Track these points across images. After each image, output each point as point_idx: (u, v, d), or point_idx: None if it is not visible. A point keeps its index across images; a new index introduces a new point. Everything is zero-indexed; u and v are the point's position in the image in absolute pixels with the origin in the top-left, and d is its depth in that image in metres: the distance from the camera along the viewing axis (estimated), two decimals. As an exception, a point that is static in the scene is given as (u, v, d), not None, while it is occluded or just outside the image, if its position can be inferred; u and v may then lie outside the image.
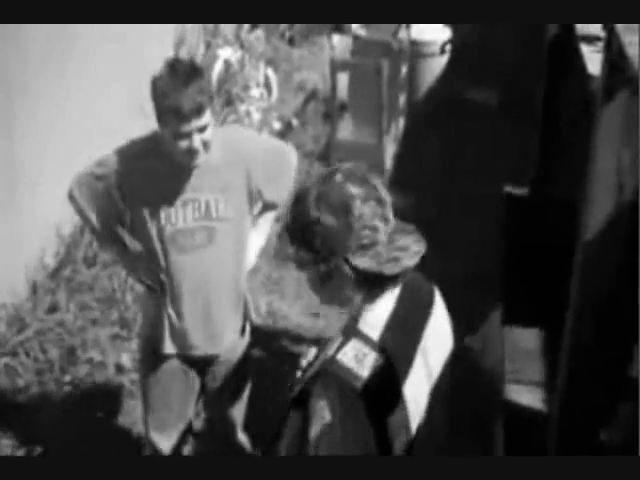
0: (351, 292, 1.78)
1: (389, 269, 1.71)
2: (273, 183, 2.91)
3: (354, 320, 1.79)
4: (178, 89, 2.53)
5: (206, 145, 2.63)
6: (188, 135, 2.57)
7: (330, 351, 1.75)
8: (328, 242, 1.71)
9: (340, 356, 1.71)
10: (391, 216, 1.74)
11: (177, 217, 2.73)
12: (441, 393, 1.84)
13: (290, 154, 3.03)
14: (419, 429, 1.75)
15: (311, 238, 1.72)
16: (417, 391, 1.76)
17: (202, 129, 2.59)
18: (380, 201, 1.72)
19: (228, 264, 2.87)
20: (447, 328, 1.92)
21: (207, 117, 2.59)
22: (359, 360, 1.70)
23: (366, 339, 1.74)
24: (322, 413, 1.71)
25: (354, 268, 1.71)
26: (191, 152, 2.61)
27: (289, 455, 1.86)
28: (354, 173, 1.75)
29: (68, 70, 4.61)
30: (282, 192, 2.97)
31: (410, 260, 1.73)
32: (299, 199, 1.75)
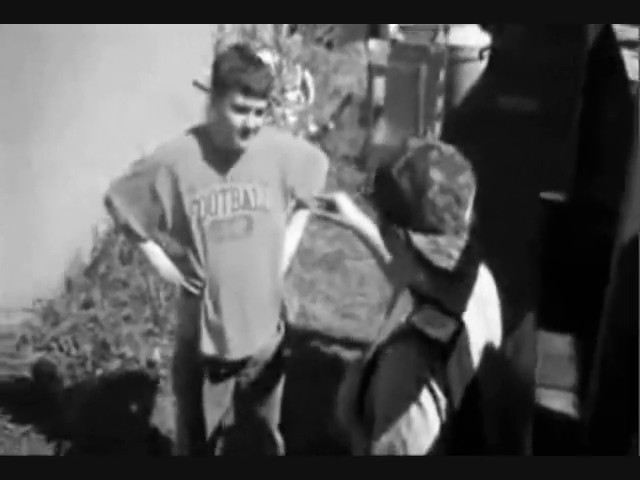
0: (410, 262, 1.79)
1: (438, 260, 1.73)
2: (306, 183, 2.95)
3: (417, 288, 1.82)
4: (250, 68, 2.64)
5: (256, 130, 2.70)
6: (247, 111, 2.65)
7: (402, 317, 1.78)
8: (396, 207, 1.74)
9: (415, 320, 1.75)
10: (464, 217, 1.75)
11: (217, 207, 2.76)
12: (497, 359, 1.89)
13: (323, 159, 3.09)
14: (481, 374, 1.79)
15: (385, 198, 1.77)
16: (474, 327, 1.80)
17: (259, 112, 2.67)
18: (459, 199, 1.73)
19: (265, 256, 2.89)
20: (494, 292, 1.97)
21: (265, 103, 2.69)
22: (437, 325, 1.73)
23: (438, 306, 1.77)
24: (394, 374, 1.74)
25: (409, 240, 1.74)
26: (243, 131, 2.67)
27: (343, 417, 1.88)
28: (451, 161, 1.75)
29: (81, 70, 4.62)
30: (313, 192, 2.99)
31: (461, 263, 1.74)
32: (393, 157, 1.77)
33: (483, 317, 1.86)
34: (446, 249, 1.74)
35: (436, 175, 1.72)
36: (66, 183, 4.42)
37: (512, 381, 2.15)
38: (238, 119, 2.66)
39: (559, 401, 2.63)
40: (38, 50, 4.20)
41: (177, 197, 2.75)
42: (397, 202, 1.74)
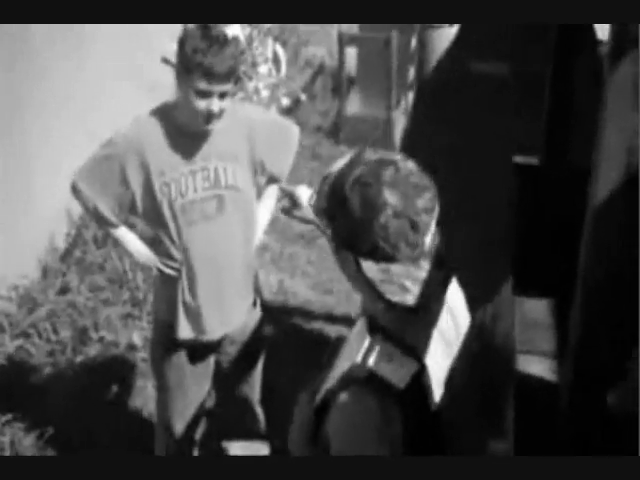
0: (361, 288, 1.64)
1: (390, 292, 1.57)
2: (275, 155, 2.92)
3: (374, 319, 1.66)
4: (213, 50, 2.54)
5: (221, 113, 2.64)
6: (209, 95, 2.58)
7: (357, 357, 1.61)
8: (346, 229, 1.56)
9: (372, 362, 1.58)
10: (424, 245, 1.56)
11: (187, 187, 2.73)
12: (463, 365, 1.75)
13: (293, 130, 3.03)
14: (444, 399, 1.66)
15: (335, 216, 1.58)
16: (437, 363, 1.66)
17: (223, 95, 2.61)
18: (415, 225, 1.53)
19: (238, 235, 2.86)
20: (462, 303, 1.82)
21: (230, 86, 2.61)
22: (394, 367, 1.58)
23: (394, 341, 1.61)
24: (345, 420, 1.60)
25: (360, 269, 1.58)
26: (207, 115, 2.62)
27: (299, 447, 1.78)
28: (408, 181, 1.55)
29: (74, 58, 4.59)
30: (284, 166, 2.98)
31: (419, 297, 1.58)
32: (346, 168, 1.59)
33: (448, 352, 1.70)
34: (399, 280, 1.56)
35: (390, 197, 1.52)
36: (36, 169, 4.37)
37: (491, 348, 2.15)
38: (201, 103, 2.59)
39: (538, 366, 2.63)
40: (26, 44, 4.15)
41: (147, 180, 2.72)
42: (347, 224, 1.55)
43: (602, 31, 2.91)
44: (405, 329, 1.62)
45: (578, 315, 2.18)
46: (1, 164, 4.16)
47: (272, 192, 3.05)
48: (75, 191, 2.83)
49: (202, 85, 2.57)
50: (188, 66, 2.57)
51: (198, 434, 3.21)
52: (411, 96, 6.70)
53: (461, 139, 5.87)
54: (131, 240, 2.91)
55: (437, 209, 1.58)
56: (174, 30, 4.96)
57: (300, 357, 3.84)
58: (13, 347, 4.00)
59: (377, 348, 1.60)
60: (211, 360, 3.03)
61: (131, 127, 2.77)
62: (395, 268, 1.55)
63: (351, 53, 6.31)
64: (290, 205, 2.21)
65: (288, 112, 6.10)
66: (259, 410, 3.26)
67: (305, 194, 2.18)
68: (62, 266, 4.47)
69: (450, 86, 6.68)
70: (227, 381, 3.15)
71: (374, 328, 1.64)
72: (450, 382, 1.70)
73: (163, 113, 2.76)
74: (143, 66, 5.15)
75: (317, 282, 4.71)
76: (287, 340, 4.07)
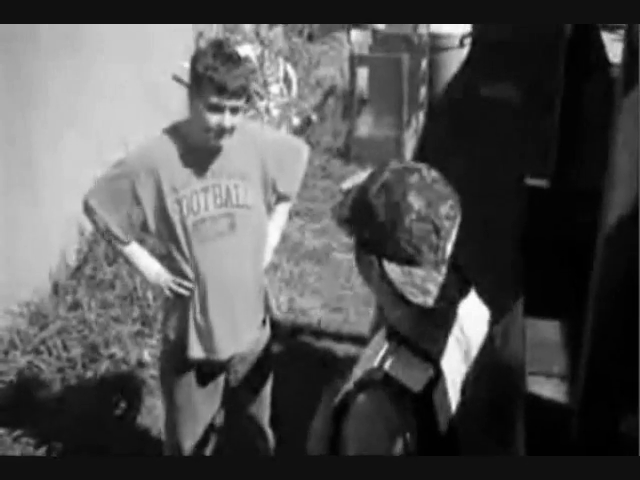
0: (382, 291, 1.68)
1: (412, 295, 1.60)
2: (285, 174, 2.94)
3: (393, 327, 1.70)
4: (227, 67, 2.59)
5: (232, 129, 2.67)
6: (221, 110, 2.61)
7: (375, 361, 1.66)
8: (371, 233, 1.62)
9: (388, 366, 1.63)
10: (445, 250, 1.61)
11: (199, 205, 2.74)
12: (478, 373, 1.78)
13: (302, 149, 3.06)
14: (459, 409, 1.70)
15: (359, 223, 1.64)
16: (454, 369, 1.70)
17: (234, 110, 2.64)
18: (438, 230, 1.59)
19: (249, 253, 2.87)
20: (481, 310, 1.86)
21: (242, 102, 2.65)
22: (410, 372, 1.62)
23: (412, 347, 1.66)
24: (362, 423, 1.63)
25: (383, 271, 1.62)
26: (219, 130, 2.64)
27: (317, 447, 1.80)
28: (432, 188, 1.61)
29: (80, 69, 4.63)
30: (293, 184, 3.00)
31: (438, 300, 1.61)
32: (370, 178, 1.65)
33: (465, 360, 1.75)
34: (422, 284, 1.60)
35: (414, 201, 1.59)
36: (48, 184, 4.40)
37: (502, 369, 2.15)
38: (213, 119, 2.63)
39: (548, 387, 2.63)
40: (33, 50, 4.18)
41: (159, 198, 2.73)
42: (371, 228, 1.62)
43: (613, 53, 2.93)
44: (422, 335, 1.67)
45: (589, 337, 2.18)
46: (11, 179, 4.19)
47: (282, 210, 3.06)
48: (87, 209, 2.85)
49: (214, 99, 2.60)
50: (201, 82, 2.62)
51: (207, 453, 3.20)
52: (422, 117, 6.72)
53: (471, 160, 5.89)
54: (142, 257, 2.91)
55: (459, 218, 1.63)
56: (186, 48, 5.02)
57: (310, 375, 3.84)
58: (23, 363, 4.01)
59: (394, 353, 1.64)
60: (220, 379, 3.03)
61: (143, 146, 2.80)
62: (417, 271, 1.60)
63: (362, 74, 6.35)
64: None
65: (299, 132, 6.13)
66: (268, 429, 3.25)
67: None
68: (73, 283, 4.48)
69: (460, 107, 6.70)
70: (236, 400, 3.15)
71: (392, 334, 1.68)
72: (462, 396, 1.72)
73: (175, 132, 2.78)
74: (150, 77, 5.19)
75: (327, 301, 4.72)
76: (297, 358, 4.08)
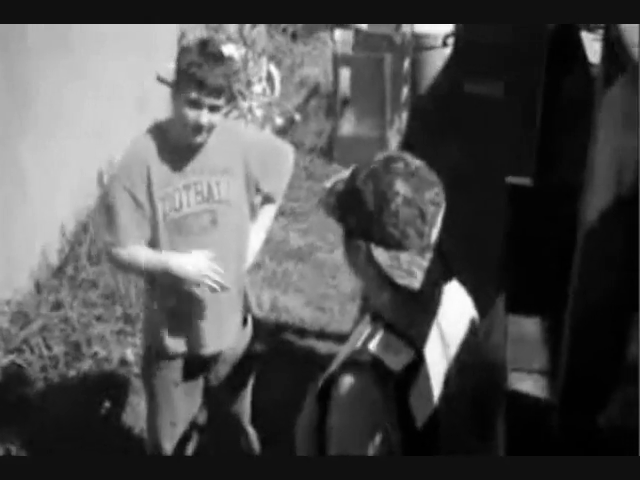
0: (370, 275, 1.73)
1: (399, 277, 1.66)
2: (270, 174, 2.94)
3: (378, 313, 1.76)
4: (209, 64, 2.61)
5: (210, 127, 2.67)
6: (200, 106, 2.62)
7: (358, 342, 1.72)
8: (359, 218, 1.68)
9: (371, 346, 1.68)
10: (430, 235, 1.67)
11: (181, 202, 2.75)
12: (461, 364, 1.81)
13: (287, 151, 3.05)
14: (440, 401, 1.73)
15: (348, 209, 1.70)
16: (436, 359, 1.75)
17: (213, 109, 2.64)
18: (423, 215, 1.65)
19: (231, 249, 2.88)
20: (464, 299, 1.91)
21: (222, 101, 2.66)
22: (391, 353, 1.67)
23: (395, 331, 1.71)
24: (346, 403, 1.68)
25: (370, 255, 1.68)
26: (195, 127, 2.65)
27: (301, 447, 1.83)
28: (418, 175, 1.67)
29: (70, 69, 4.62)
30: (278, 186, 3.00)
31: (423, 284, 1.67)
32: (356, 169, 1.72)
33: (446, 353, 1.79)
34: (408, 266, 1.66)
35: (400, 187, 1.65)
36: (31, 183, 4.38)
37: (483, 365, 2.16)
38: (191, 114, 2.63)
39: (529, 384, 2.65)
40: (22, 53, 4.17)
41: (149, 194, 2.74)
42: (359, 213, 1.67)
43: (593, 54, 2.95)
44: (406, 320, 1.72)
45: (569, 333, 2.20)
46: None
47: (268, 212, 3.06)
48: (114, 261, 2.85)
49: (193, 95, 2.61)
50: (182, 77, 2.63)
51: (188, 452, 3.21)
52: (405, 116, 6.74)
53: (454, 159, 5.91)
54: (174, 259, 2.78)
55: (444, 205, 1.69)
56: (171, 49, 5.03)
57: (293, 374, 3.85)
58: (6, 362, 4.00)
59: (377, 335, 1.70)
60: (200, 378, 3.03)
61: (130, 148, 2.80)
62: (404, 255, 1.66)
63: (345, 73, 6.36)
64: None
65: (282, 131, 6.13)
66: (250, 428, 3.26)
67: None
68: (55, 282, 4.47)
69: (443, 106, 6.72)
70: (217, 400, 3.16)
71: (376, 318, 1.74)
72: (445, 389, 1.75)
73: (157, 130, 2.79)
74: (138, 82, 5.18)
75: (310, 299, 4.72)
76: (280, 357, 4.08)
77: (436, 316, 1.78)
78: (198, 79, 2.59)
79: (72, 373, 4.01)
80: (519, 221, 3.40)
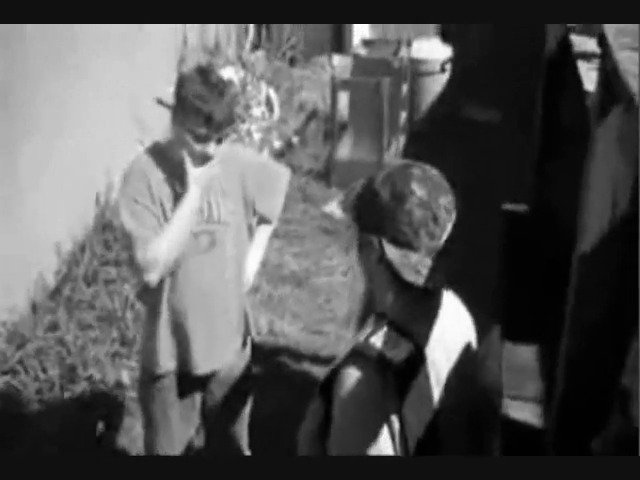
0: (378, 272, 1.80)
1: (407, 274, 1.74)
2: (266, 196, 2.96)
3: (382, 311, 1.83)
4: (214, 97, 2.60)
5: (215, 155, 2.69)
6: (207, 140, 2.63)
7: (361, 337, 1.79)
8: (374, 215, 1.75)
9: (373, 340, 1.76)
10: (440, 238, 1.76)
11: None
12: (459, 378, 1.87)
13: (283, 174, 3.08)
14: (440, 408, 1.79)
15: (364, 207, 1.78)
16: (437, 363, 1.81)
17: (221, 140, 2.66)
18: (436, 218, 1.74)
19: (230, 270, 2.88)
20: (463, 316, 1.97)
21: (228, 131, 2.68)
22: (392, 346, 1.75)
23: (397, 328, 1.78)
24: (348, 394, 1.74)
25: (383, 252, 1.75)
26: (203, 158, 2.66)
27: (306, 442, 1.87)
28: (433, 180, 1.77)
29: (67, 88, 4.64)
30: (274, 208, 3.02)
31: (427, 282, 1.75)
32: (372, 175, 1.81)
33: (446, 357, 1.85)
34: (416, 266, 1.74)
35: (417, 188, 1.74)
36: (27, 203, 4.39)
37: (478, 393, 2.16)
38: (199, 147, 2.65)
39: (524, 412, 2.65)
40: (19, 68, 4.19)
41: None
42: (375, 211, 1.75)
43: (589, 83, 2.97)
44: (409, 320, 1.79)
45: (564, 361, 2.21)
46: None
47: (264, 233, 3.08)
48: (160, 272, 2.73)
49: (202, 131, 2.61)
50: (186, 109, 2.62)
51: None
52: (402, 140, 6.77)
53: (451, 184, 5.93)
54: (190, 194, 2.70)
55: (454, 213, 1.79)
56: (168, 70, 5.05)
57: (289, 398, 3.84)
58: (0, 383, 3.99)
59: (380, 332, 1.77)
60: (197, 399, 3.02)
61: (130, 165, 2.80)
62: (413, 255, 1.74)
63: (343, 98, 6.39)
64: None
65: (280, 155, 6.16)
66: (247, 451, 3.25)
67: None
68: (51, 303, 4.46)
69: (440, 131, 6.75)
70: (214, 422, 3.15)
71: (380, 315, 1.82)
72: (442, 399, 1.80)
73: (157, 151, 2.80)
74: (136, 102, 5.20)
75: (306, 323, 4.72)
76: (276, 381, 4.07)
77: (438, 318, 1.84)
78: (206, 114, 2.58)
79: (67, 395, 3.99)
80: (514, 248, 3.41)
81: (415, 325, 1.80)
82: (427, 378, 1.78)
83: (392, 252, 1.75)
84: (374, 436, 1.71)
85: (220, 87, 2.63)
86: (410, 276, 1.74)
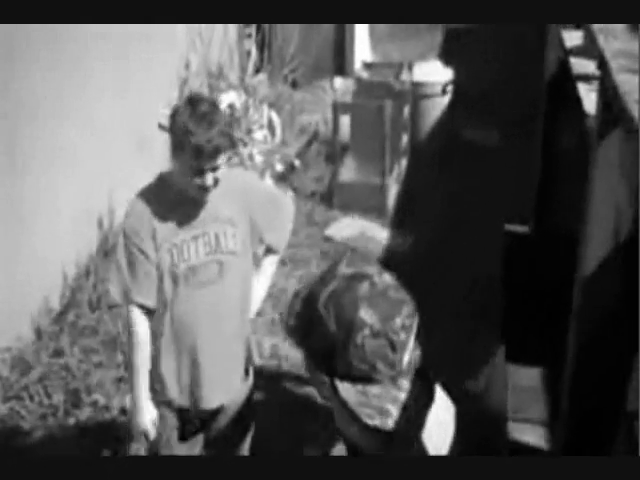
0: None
1: (368, 416, 1.46)
2: (272, 225, 2.97)
3: (349, 441, 1.57)
4: (202, 129, 2.60)
5: (216, 182, 2.69)
6: (202, 172, 2.64)
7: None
8: (321, 348, 1.48)
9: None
10: (402, 363, 1.47)
11: (189, 253, 2.76)
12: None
13: (289, 202, 3.12)
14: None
15: (308, 334, 1.50)
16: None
17: (216, 168, 2.66)
18: (393, 345, 1.46)
19: (236, 300, 2.89)
20: (448, 414, 1.67)
21: (221, 159, 2.67)
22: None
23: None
24: None
25: (335, 391, 1.48)
26: (203, 188, 2.67)
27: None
28: (385, 298, 1.48)
29: (69, 110, 4.66)
30: (281, 237, 3.03)
31: (399, 421, 1.46)
32: (319, 283, 1.52)
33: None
34: (379, 403, 1.46)
35: (366, 316, 1.45)
36: (31, 228, 4.40)
37: (484, 416, 2.16)
38: (196, 180, 2.67)
39: (530, 434, 2.64)
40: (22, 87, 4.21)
41: (155, 247, 2.76)
42: (321, 343, 1.47)
43: (589, 105, 2.99)
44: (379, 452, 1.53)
45: (568, 383, 2.21)
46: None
47: (270, 263, 3.08)
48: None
49: (194, 163, 2.63)
50: (177, 145, 2.66)
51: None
52: (404, 162, 6.79)
53: (453, 206, 5.94)
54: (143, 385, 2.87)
55: (415, 324, 1.51)
56: (171, 94, 5.06)
57: (292, 421, 3.83)
58: (5, 410, 3.99)
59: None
60: (200, 428, 3.02)
61: (135, 202, 2.82)
62: (373, 389, 1.47)
63: (345, 120, 6.41)
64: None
65: (282, 178, 6.17)
66: (250, 476, 3.23)
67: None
68: (56, 328, 4.46)
69: (442, 154, 6.78)
70: (217, 450, 3.14)
71: (349, 447, 1.57)
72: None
73: (161, 182, 2.82)
74: (137, 123, 5.22)
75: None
76: (280, 404, 4.06)
77: (413, 447, 1.55)
78: (195, 148, 2.60)
79: (71, 421, 3.98)
80: (516, 269, 3.41)
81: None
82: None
83: (346, 390, 1.46)
84: None
85: (209, 117, 2.62)
86: (373, 419, 1.45)
